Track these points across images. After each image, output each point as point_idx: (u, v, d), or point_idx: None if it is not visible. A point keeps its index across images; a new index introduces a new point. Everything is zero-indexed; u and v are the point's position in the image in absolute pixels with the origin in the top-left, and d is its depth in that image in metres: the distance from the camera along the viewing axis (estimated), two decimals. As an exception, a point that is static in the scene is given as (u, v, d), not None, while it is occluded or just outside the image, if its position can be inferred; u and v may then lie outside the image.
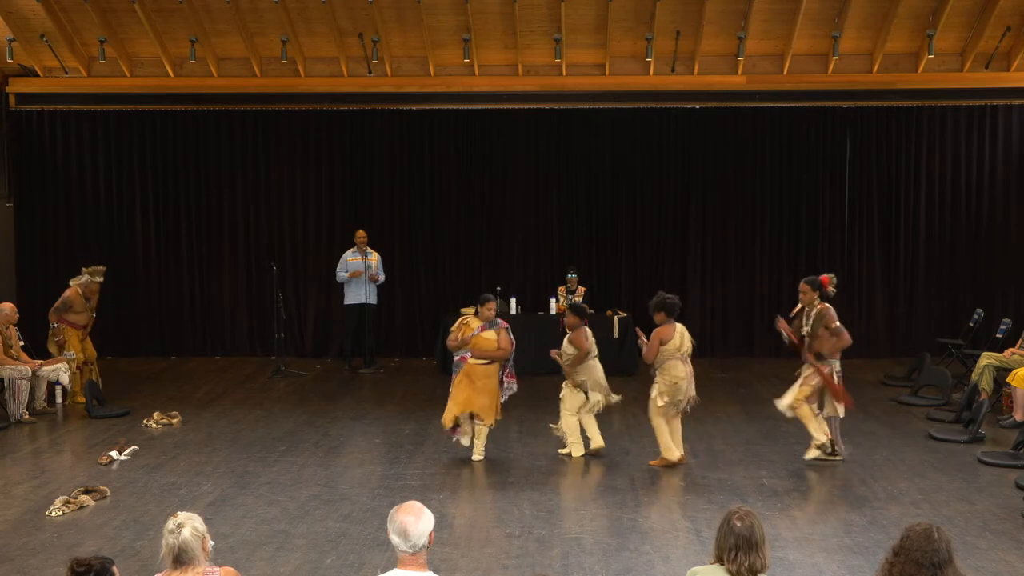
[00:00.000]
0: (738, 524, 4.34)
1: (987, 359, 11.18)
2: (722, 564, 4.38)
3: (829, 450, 9.13)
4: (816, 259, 14.48)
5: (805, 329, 9.18)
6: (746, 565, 4.30)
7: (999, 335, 12.37)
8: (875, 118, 14.33)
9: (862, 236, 14.51)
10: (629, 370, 13.17)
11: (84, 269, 12.03)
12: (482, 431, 9.28)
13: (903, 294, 14.54)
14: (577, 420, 9.44)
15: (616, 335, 13.22)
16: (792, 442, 9.89)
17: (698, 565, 4.63)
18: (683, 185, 14.60)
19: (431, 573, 4.20)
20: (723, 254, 14.56)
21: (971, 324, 13.23)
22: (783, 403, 9.24)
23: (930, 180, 14.44)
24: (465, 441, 9.37)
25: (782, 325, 9.37)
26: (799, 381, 9.21)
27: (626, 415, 10.99)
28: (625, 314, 13.49)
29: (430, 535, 4.18)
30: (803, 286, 9.34)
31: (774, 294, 14.59)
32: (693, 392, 9.16)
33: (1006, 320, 12.61)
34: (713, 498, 8.16)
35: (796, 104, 14.28)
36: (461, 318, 9.47)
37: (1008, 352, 11.20)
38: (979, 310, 13.29)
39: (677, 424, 9.20)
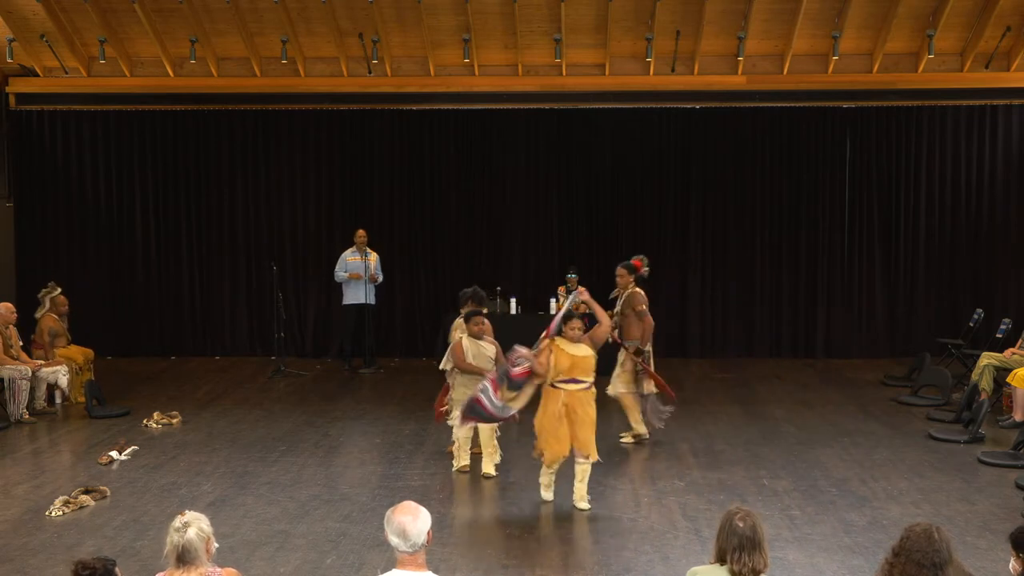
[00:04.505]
0: (740, 524, 4.34)
1: (987, 359, 11.17)
2: (724, 564, 4.38)
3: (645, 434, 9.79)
4: (816, 259, 14.49)
5: (616, 311, 9.65)
6: (749, 565, 4.30)
7: (999, 335, 12.36)
8: (875, 118, 14.33)
9: (862, 236, 14.50)
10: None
11: (39, 296, 12.09)
12: (586, 471, 7.98)
13: (903, 294, 14.53)
14: None
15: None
16: (792, 442, 9.90)
17: (698, 565, 4.63)
18: (683, 185, 14.59)
19: (430, 573, 4.20)
20: (723, 254, 14.56)
21: (971, 324, 13.22)
22: (612, 391, 9.71)
23: (930, 180, 14.43)
24: (547, 494, 8.11)
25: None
26: (617, 369, 9.71)
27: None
28: (625, 314, 13.47)
29: (428, 533, 4.18)
30: (620, 270, 9.77)
31: (774, 294, 14.60)
32: None
33: (1006, 320, 12.60)
34: (713, 498, 8.16)
35: (796, 104, 14.28)
36: (547, 342, 7.99)
37: (1008, 352, 11.19)
38: (979, 310, 13.29)
39: None
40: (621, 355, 9.77)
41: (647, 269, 9.90)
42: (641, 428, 9.78)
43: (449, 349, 9.01)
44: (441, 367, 9.11)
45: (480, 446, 8.88)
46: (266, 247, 14.73)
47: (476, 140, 14.68)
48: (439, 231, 14.75)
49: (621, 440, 9.81)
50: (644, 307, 9.59)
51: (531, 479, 8.68)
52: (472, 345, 8.83)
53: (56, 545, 7.14)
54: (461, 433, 8.81)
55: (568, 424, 7.82)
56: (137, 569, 6.57)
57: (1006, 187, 14.35)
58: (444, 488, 8.54)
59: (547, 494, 8.15)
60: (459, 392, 8.77)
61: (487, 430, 8.75)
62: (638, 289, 9.71)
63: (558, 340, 7.95)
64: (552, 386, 7.92)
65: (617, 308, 9.78)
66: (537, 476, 8.26)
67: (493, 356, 8.82)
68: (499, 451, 8.92)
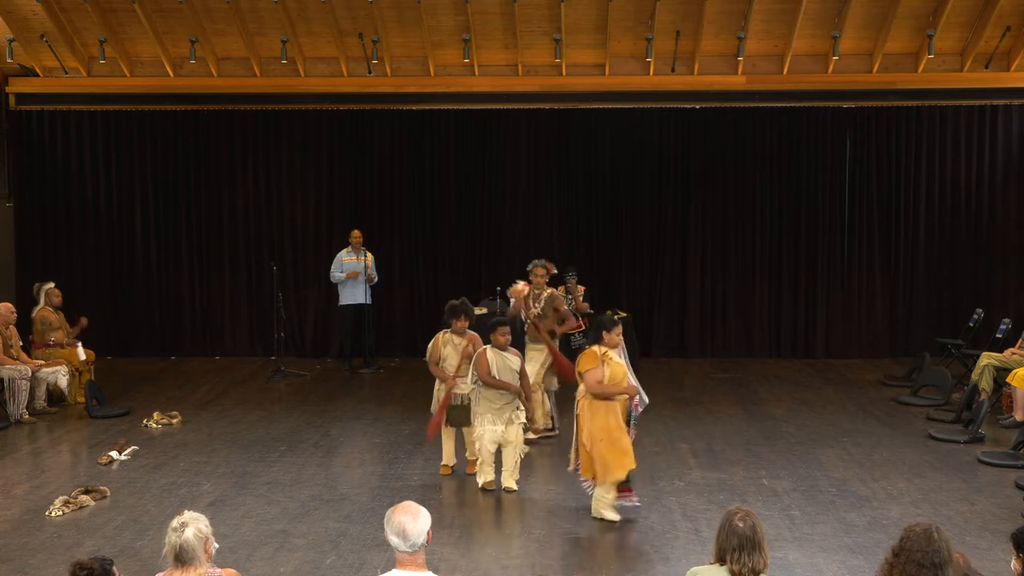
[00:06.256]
0: (740, 524, 4.34)
1: (987, 359, 11.18)
2: (723, 564, 4.38)
3: (550, 426, 10.07)
4: (816, 259, 14.48)
5: (535, 310, 10.02)
6: (749, 565, 4.31)
7: (999, 335, 12.36)
8: (875, 118, 14.32)
9: (862, 236, 14.50)
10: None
11: (34, 292, 12.17)
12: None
13: (903, 294, 14.52)
14: None
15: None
16: (792, 442, 9.90)
17: (698, 565, 4.63)
18: (683, 185, 14.59)
19: (430, 573, 4.21)
20: (723, 254, 14.56)
21: (971, 324, 13.21)
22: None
23: (930, 180, 14.42)
24: (614, 515, 7.65)
25: (522, 308, 10.14)
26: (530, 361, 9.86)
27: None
28: (625, 314, 13.46)
29: (428, 533, 4.19)
30: (540, 271, 10.25)
31: (774, 294, 14.59)
32: None
33: (1006, 320, 12.59)
34: (713, 498, 8.17)
35: (796, 104, 14.27)
36: (595, 352, 7.62)
37: (1008, 352, 11.20)
38: (979, 310, 13.28)
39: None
40: (534, 348, 10.12)
41: (556, 271, 10.60)
42: (542, 423, 9.96)
43: (473, 362, 8.49)
44: (470, 383, 8.54)
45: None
46: (266, 247, 14.72)
47: (476, 140, 14.67)
48: (439, 231, 14.74)
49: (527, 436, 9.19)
50: (566, 308, 10.20)
51: (530, 480, 8.70)
52: (497, 357, 8.32)
53: (56, 545, 7.15)
54: (486, 448, 8.43)
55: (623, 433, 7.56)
56: (137, 569, 6.57)
57: (1006, 187, 14.34)
58: (444, 488, 8.54)
59: (614, 515, 7.65)
60: (483, 406, 8.39)
61: (510, 447, 8.40)
62: (555, 290, 10.29)
63: (608, 351, 7.59)
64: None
65: (535, 307, 10.04)
66: (537, 477, 8.22)
67: (518, 368, 8.37)
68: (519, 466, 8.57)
